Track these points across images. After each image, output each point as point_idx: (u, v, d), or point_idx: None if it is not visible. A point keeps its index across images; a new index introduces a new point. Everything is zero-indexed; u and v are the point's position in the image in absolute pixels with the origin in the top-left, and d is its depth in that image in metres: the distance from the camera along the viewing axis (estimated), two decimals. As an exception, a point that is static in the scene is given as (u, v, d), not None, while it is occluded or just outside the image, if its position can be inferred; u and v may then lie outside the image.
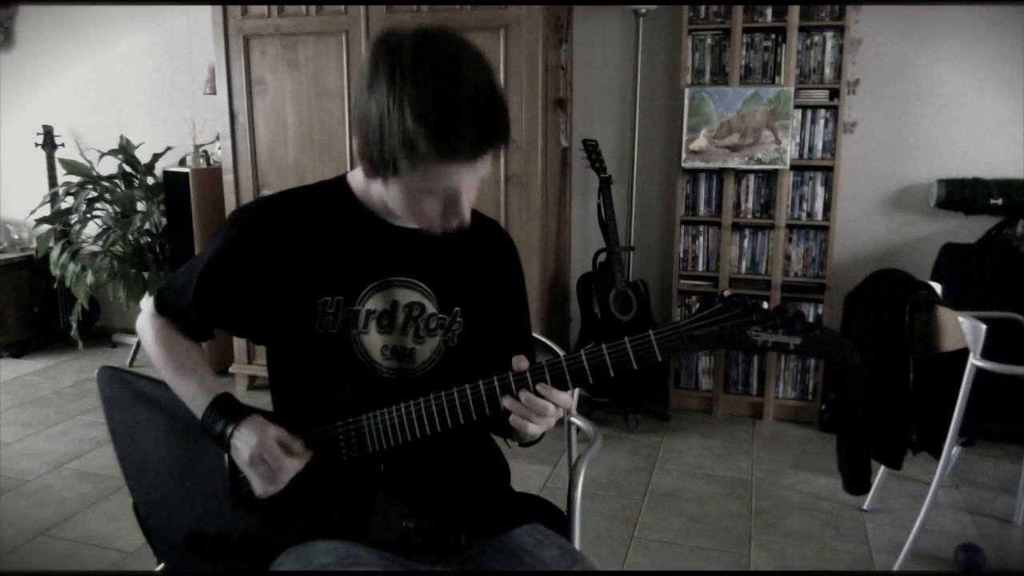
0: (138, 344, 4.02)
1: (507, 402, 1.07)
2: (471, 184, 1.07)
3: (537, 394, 1.06)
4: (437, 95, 0.98)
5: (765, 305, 1.03)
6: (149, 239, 3.97)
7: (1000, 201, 3.15)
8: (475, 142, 1.01)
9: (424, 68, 0.98)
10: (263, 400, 1.27)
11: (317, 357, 1.19)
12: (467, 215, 1.11)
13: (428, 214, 1.10)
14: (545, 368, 1.07)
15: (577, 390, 1.58)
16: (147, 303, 1.31)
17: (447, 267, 1.23)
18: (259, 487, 1.13)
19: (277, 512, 1.16)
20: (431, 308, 1.21)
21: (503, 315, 1.29)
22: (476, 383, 1.10)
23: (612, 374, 1.06)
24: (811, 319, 3.54)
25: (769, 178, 3.30)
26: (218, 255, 1.20)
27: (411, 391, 1.14)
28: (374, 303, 1.19)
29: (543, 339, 1.52)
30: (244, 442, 1.12)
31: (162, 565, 1.30)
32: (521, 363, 1.09)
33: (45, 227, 4.07)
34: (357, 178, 1.21)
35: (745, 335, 1.01)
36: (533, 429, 1.09)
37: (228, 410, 1.15)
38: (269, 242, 1.18)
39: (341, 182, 1.24)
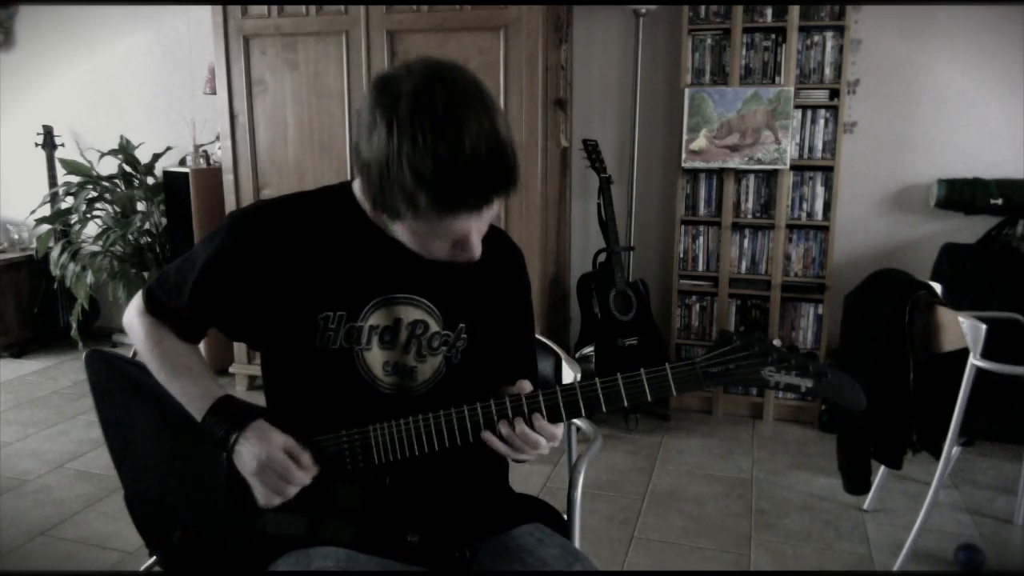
0: (138, 344, 4.01)
1: (503, 429, 1.08)
2: (479, 226, 1.06)
3: (531, 427, 1.08)
4: (436, 155, 0.94)
5: (778, 342, 1.05)
6: (149, 239, 3.97)
7: (1000, 201, 3.15)
8: (477, 197, 0.99)
9: (422, 124, 0.95)
10: (262, 400, 1.26)
11: (317, 371, 1.17)
12: (477, 252, 1.09)
13: (436, 252, 1.09)
14: (558, 394, 1.08)
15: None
16: (135, 300, 1.27)
17: (452, 283, 1.21)
18: (263, 497, 1.11)
19: (277, 516, 1.15)
20: (435, 326, 1.20)
21: (507, 327, 1.28)
22: (488, 401, 1.09)
23: (626, 404, 1.07)
24: (811, 319, 3.54)
25: (769, 178, 3.30)
26: (216, 258, 1.17)
27: (410, 407, 1.13)
28: (377, 319, 1.17)
29: (544, 340, 1.51)
30: (250, 452, 1.10)
31: (154, 559, 1.28)
32: (523, 387, 1.09)
33: (45, 227, 4.07)
34: (361, 188, 1.18)
35: (759, 375, 1.04)
36: (523, 458, 1.11)
37: (230, 416, 1.13)
38: (269, 250, 1.16)
39: (345, 190, 1.20)
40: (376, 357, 1.18)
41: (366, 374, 1.18)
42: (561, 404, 1.08)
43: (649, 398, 1.06)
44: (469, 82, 1.00)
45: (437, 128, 0.94)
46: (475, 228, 1.06)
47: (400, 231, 1.09)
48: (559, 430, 1.10)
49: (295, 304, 1.16)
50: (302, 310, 1.16)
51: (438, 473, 1.19)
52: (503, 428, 1.08)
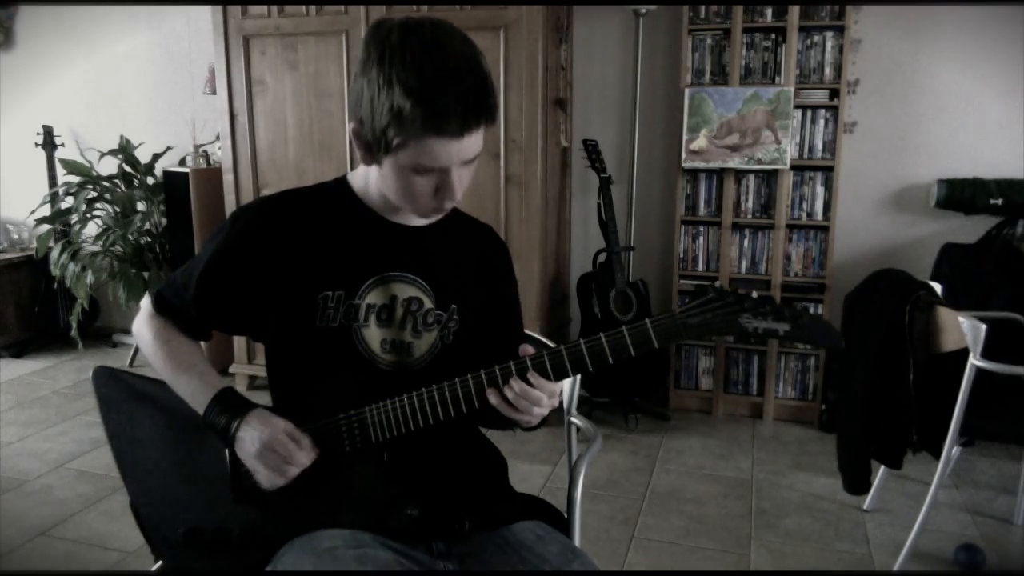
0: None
1: (498, 394, 1.10)
2: (460, 161, 1.09)
3: (529, 384, 1.09)
4: (422, 69, 1.02)
5: (755, 293, 1.08)
6: (149, 239, 3.97)
7: (1000, 201, 3.15)
8: (461, 115, 1.04)
9: (411, 47, 1.03)
10: (263, 400, 1.26)
11: (318, 350, 1.20)
12: (458, 194, 1.13)
13: (420, 194, 1.12)
14: (545, 356, 1.09)
15: (578, 388, 1.59)
16: (144, 303, 1.31)
17: (444, 265, 1.26)
18: (266, 480, 1.13)
19: (280, 504, 1.16)
20: (429, 303, 1.23)
21: (497, 315, 1.32)
22: (478, 371, 1.11)
23: (611, 361, 1.08)
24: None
25: (769, 178, 3.30)
26: (218, 254, 1.21)
27: (409, 384, 1.15)
28: (374, 297, 1.21)
29: (543, 339, 1.51)
30: (251, 435, 1.12)
31: (159, 563, 1.29)
32: (526, 350, 1.11)
33: (45, 227, 4.07)
34: (357, 177, 1.24)
35: (737, 322, 1.06)
36: (527, 419, 1.13)
37: (232, 405, 1.16)
38: (270, 242, 1.19)
39: (341, 182, 1.26)
40: (374, 335, 1.21)
41: (365, 351, 1.21)
42: (548, 365, 1.09)
43: (632, 353, 1.07)
44: (451, 25, 1.08)
45: (424, 49, 1.03)
46: (456, 161, 1.09)
47: (387, 177, 1.13)
48: (558, 387, 1.12)
49: (296, 287, 1.19)
50: (303, 291, 1.19)
51: (436, 447, 1.22)
52: (506, 391, 1.09)
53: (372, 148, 1.10)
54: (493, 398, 1.10)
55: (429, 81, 1.01)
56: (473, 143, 1.08)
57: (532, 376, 1.09)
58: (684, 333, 1.06)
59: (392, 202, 1.19)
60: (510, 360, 1.11)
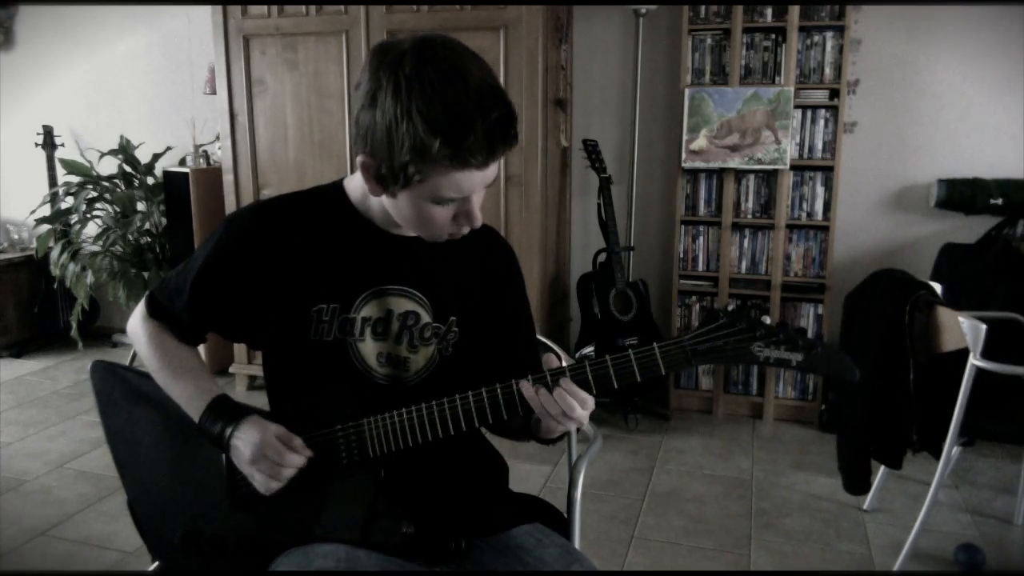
0: (138, 344, 4.01)
1: (541, 396, 1.06)
2: (481, 189, 1.07)
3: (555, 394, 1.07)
4: (446, 102, 0.97)
5: (767, 319, 1.04)
6: (149, 239, 3.97)
7: (1000, 201, 3.15)
8: (487, 147, 1.00)
9: (429, 76, 0.97)
10: (262, 401, 1.26)
11: (313, 364, 1.18)
12: (479, 220, 1.11)
13: (438, 223, 1.09)
14: (547, 377, 1.07)
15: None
16: (138, 307, 1.30)
17: (443, 276, 1.23)
18: (262, 484, 1.12)
19: (275, 513, 1.15)
20: (426, 317, 1.21)
21: (502, 323, 1.28)
22: (479, 391, 1.09)
23: (616, 386, 1.06)
24: (811, 319, 3.54)
25: (769, 178, 3.30)
26: (212, 259, 1.19)
27: (405, 398, 1.14)
28: (369, 311, 1.19)
29: (544, 340, 1.51)
30: (245, 440, 1.11)
31: (157, 563, 1.29)
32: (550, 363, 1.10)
33: (45, 227, 4.07)
34: (354, 184, 1.20)
35: (748, 351, 1.02)
36: (559, 428, 1.10)
37: (226, 411, 1.15)
38: (264, 248, 1.18)
39: (338, 188, 1.22)
40: (370, 348, 1.19)
41: (360, 365, 1.19)
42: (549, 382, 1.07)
43: (639, 379, 1.05)
44: (460, 43, 1.04)
45: (444, 78, 0.98)
46: (479, 189, 1.06)
47: (401, 207, 1.08)
48: (589, 397, 1.08)
49: (290, 298, 1.17)
50: (297, 304, 1.17)
51: (434, 465, 1.20)
52: (535, 391, 1.06)
53: (386, 182, 1.05)
54: (528, 391, 1.06)
55: (455, 116, 0.97)
56: (495, 168, 1.06)
57: (565, 383, 1.06)
58: (693, 360, 1.03)
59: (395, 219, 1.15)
60: (513, 371, 1.09)
